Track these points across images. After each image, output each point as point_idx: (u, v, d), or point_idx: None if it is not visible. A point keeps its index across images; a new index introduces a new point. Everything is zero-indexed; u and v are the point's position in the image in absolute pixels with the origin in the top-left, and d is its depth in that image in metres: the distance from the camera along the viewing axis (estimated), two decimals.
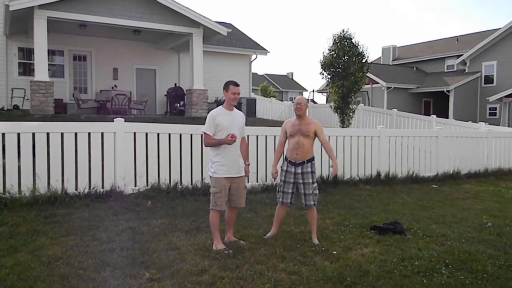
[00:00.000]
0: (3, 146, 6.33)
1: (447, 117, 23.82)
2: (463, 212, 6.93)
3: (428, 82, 29.49)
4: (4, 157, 6.18)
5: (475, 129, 15.50)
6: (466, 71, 28.38)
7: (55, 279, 3.71)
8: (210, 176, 4.79)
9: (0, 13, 14.18)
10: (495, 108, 26.40)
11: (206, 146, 4.83)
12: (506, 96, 24.04)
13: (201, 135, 7.66)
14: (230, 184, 4.74)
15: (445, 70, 30.68)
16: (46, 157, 6.57)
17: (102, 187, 6.91)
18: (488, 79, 27.39)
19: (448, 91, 26.89)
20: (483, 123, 16.45)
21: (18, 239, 4.78)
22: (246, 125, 5.09)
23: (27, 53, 15.36)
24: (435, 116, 17.90)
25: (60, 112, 13.86)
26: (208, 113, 4.94)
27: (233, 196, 4.79)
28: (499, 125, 21.72)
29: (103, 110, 15.04)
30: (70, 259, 4.20)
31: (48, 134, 6.64)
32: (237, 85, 4.79)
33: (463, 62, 28.53)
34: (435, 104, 29.14)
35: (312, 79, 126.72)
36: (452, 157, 10.68)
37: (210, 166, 4.77)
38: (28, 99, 13.31)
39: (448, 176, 10.32)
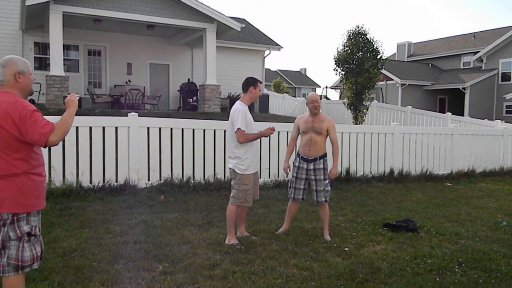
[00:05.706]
0: None
1: (463, 115, 23.50)
2: (477, 210, 6.85)
3: (443, 79, 29.08)
4: None
5: (491, 127, 15.24)
6: (483, 68, 27.93)
7: (70, 271, 3.77)
8: (239, 174, 4.63)
9: (16, 8, 14.38)
10: None
11: (242, 142, 4.58)
12: None
13: (214, 130, 7.80)
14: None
15: (461, 67, 30.18)
16: (61, 151, 6.65)
17: (116, 181, 6.99)
18: (505, 77, 26.91)
19: (464, 88, 26.50)
20: (499, 121, 16.17)
21: None
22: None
23: (43, 48, 15.54)
24: (450, 113, 17.67)
25: None
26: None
27: (253, 189, 4.83)
28: None
29: (117, 105, 15.16)
30: (85, 251, 4.27)
31: None
32: (261, 83, 4.93)
33: (480, 59, 28.08)
34: (450, 102, 28.74)
35: (326, 75, 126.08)
36: (467, 155, 10.54)
37: (238, 163, 4.62)
38: (43, 94, 13.47)
39: (462, 174, 10.20)
